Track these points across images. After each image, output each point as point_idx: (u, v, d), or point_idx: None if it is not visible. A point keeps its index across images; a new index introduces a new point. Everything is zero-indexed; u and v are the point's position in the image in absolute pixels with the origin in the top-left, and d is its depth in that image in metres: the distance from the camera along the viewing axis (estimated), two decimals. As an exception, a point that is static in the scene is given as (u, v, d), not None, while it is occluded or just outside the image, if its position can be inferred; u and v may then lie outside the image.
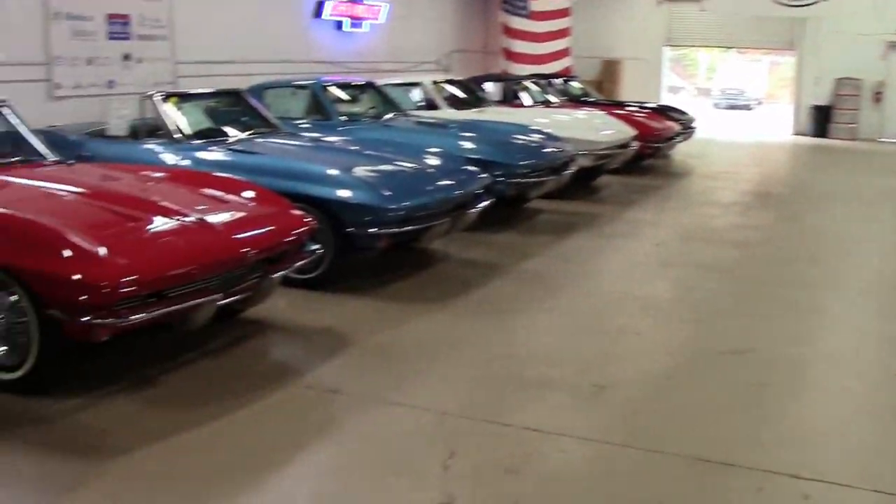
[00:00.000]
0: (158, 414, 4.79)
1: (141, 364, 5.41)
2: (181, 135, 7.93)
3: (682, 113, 17.05)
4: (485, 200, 8.17)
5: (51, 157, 6.53)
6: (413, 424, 4.72)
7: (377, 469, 4.24)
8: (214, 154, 7.65)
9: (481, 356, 5.78)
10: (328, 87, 10.77)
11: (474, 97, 13.70)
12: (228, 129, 8.41)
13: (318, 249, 6.19)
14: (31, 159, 6.44)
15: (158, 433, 4.52)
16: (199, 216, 5.32)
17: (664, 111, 16.46)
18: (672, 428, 4.73)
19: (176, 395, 5.04)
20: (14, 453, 4.32)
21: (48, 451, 4.34)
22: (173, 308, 4.91)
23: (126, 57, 11.49)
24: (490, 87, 15.26)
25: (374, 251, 7.20)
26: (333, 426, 4.73)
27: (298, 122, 10.07)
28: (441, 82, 13.56)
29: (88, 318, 4.57)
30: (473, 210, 7.92)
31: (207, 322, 5.30)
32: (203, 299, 5.03)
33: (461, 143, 9.63)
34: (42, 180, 5.77)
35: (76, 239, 4.70)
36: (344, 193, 6.88)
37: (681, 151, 16.91)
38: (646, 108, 15.96)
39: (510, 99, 14.95)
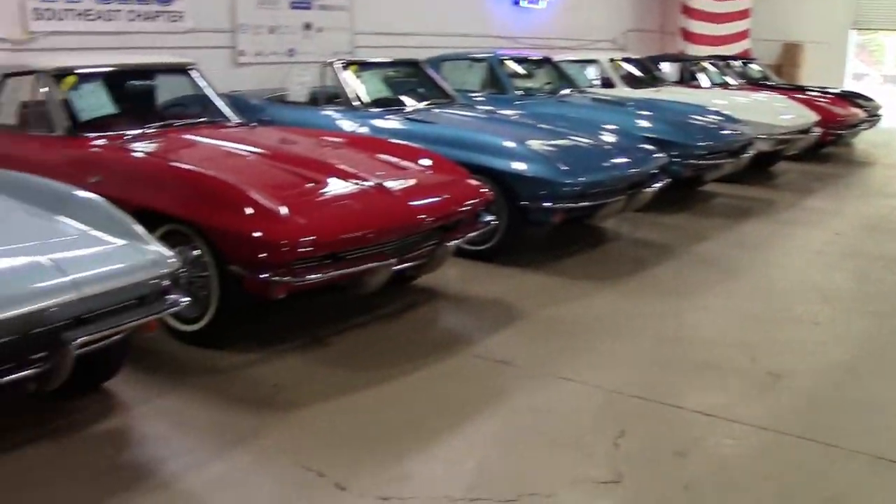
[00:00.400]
0: (329, 373, 4.84)
1: (313, 324, 5.50)
2: (359, 102, 8.02)
3: (868, 99, 16.20)
4: (660, 180, 7.95)
5: (234, 119, 6.69)
6: (582, 400, 4.62)
7: (545, 442, 4.17)
8: (391, 122, 7.70)
9: (651, 337, 5.63)
10: (505, 61, 10.71)
11: (651, 76, 13.41)
12: (406, 99, 8.46)
13: (492, 220, 6.12)
14: (216, 120, 6.62)
15: (329, 392, 4.58)
16: (377, 181, 5.34)
17: (848, 97, 15.70)
18: (852, 423, 4.48)
19: (346, 357, 5.08)
20: (191, 402, 4.44)
21: (223, 402, 4.45)
22: (349, 270, 4.95)
23: (307, 26, 11.67)
24: (667, 67, 14.92)
25: (547, 225, 7.11)
26: (502, 397, 4.67)
27: (474, 94, 10.04)
28: (618, 60, 13.32)
29: (267, 275, 4.64)
30: (649, 189, 7.72)
31: (380, 287, 5.31)
32: (378, 263, 5.04)
33: (637, 121, 9.42)
34: (226, 140, 5.92)
35: (258, 198, 4.78)
36: (520, 166, 6.81)
37: (865, 140, 16.15)
38: (829, 93, 15.25)
39: (687, 80, 14.58)
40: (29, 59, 6.95)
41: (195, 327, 5.02)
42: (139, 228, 4.13)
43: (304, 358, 5.03)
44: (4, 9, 8.28)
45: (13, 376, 3.54)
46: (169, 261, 4.00)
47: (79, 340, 3.58)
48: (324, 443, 4.07)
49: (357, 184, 5.29)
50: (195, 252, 4.90)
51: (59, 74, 6.10)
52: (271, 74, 10.24)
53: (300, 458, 3.90)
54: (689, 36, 19.88)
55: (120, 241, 4.00)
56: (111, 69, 6.49)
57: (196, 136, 6.01)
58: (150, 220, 4.78)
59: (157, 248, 4.03)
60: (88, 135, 5.89)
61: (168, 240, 4.93)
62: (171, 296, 4.05)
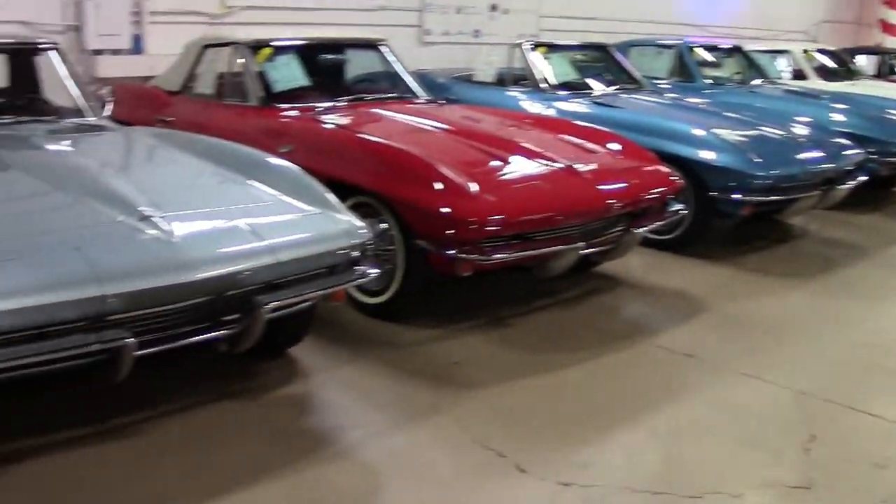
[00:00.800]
0: (509, 354, 4.78)
1: (494, 305, 5.45)
2: (546, 84, 7.93)
3: None
4: (856, 178, 7.55)
5: (423, 95, 6.69)
6: (769, 400, 4.42)
7: (731, 439, 4.00)
8: (578, 105, 7.58)
9: (842, 340, 5.34)
10: (694, 49, 10.41)
11: (846, 69, 12.80)
12: (593, 83, 8.32)
13: (682, 210, 5.93)
14: (405, 96, 6.64)
15: (509, 373, 4.52)
16: (567, 162, 5.24)
17: None
18: None
19: (527, 339, 5.01)
20: (372, 374, 4.45)
21: (403, 376, 4.44)
22: (536, 252, 4.87)
23: (493, 7, 11.65)
24: (863, 60, 14.21)
25: (735, 218, 6.84)
26: (686, 390, 4.50)
27: (660, 81, 9.79)
28: (811, 51, 12.76)
29: (453, 252, 4.61)
30: (843, 187, 7.33)
31: (564, 271, 5.21)
32: (566, 246, 4.93)
33: (832, 115, 8.98)
34: (416, 116, 5.92)
35: (449, 173, 4.75)
36: (710, 155, 6.57)
37: None
38: None
39: (886, 73, 13.87)
40: (226, 31, 7.12)
41: (378, 300, 5.04)
42: (332, 197, 4.15)
43: (484, 337, 4.98)
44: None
45: (206, 336, 3.60)
46: (360, 231, 4.00)
47: (271, 305, 3.61)
48: (503, 423, 4.00)
49: (547, 164, 5.21)
50: (382, 225, 4.90)
51: (256, 46, 6.24)
52: (456, 54, 10.26)
53: (479, 437, 3.85)
54: (888, 28, 18.92)
55: (313, 210, 4.03)
56: (305, 43, 6.60)
57: (386, 110, 6.04)
58: (339, 191, 4.81)
59: (349, 219, 4.04)
60: (281, 105, 6.00)
61: (356, 212, 4.98)
62: (361, 267, 4.05)
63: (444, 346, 4.83)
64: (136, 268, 3.34)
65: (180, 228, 3.56)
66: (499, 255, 4.70)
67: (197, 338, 3.58)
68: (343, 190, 4.91)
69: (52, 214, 3.74)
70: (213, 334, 3.62)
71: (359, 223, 4.04)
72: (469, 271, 4.67)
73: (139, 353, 3.35)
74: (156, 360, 3.46)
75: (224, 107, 6.28)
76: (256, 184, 4.22)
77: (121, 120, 6.25)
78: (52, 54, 5.45)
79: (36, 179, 4.08)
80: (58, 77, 5.45)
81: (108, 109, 5.48)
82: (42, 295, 3.11)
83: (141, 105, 7.02)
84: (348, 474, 3.56)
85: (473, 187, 4.71)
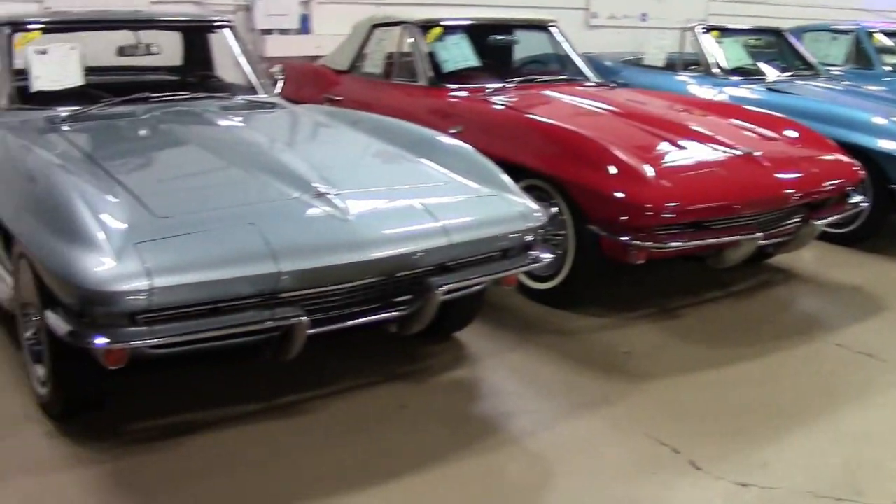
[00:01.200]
0: (680, 346, 4.61)
1: (664, 295, 5.29)
2: (719, 69, 7.66)
3: None
4: None
5: (594, 78, 6.54)
6: (963, 408, 4.13)
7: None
8: (751, 91, 7.28)
9: None
10: (873, 34, 9.89)
11: None
12: (767, 68, 8.00)
13: (862, 202, 5.61)
14: (575, 79, 6.50)
15: (680, 365, 4.37)
16: (745, 149, 5.02)
17: None
18: None
19: (699, 331, 4.83)
20: (540, 361, 4.36)
21: (573, 364, 4.33)
22: (712, 241, 4.68)
23: (661, -9, 11.38)
24: None
25: (918, 212, 6.46)
26: (868, 391, 4.25)
27: (836, 68, 9.34)
28: None
29: (627, 238, 4.46)
30: None
31: (738, 262, 5.00)
32: (743, 237, 4.72)
33: None
34: (588, 99, 5.78)
35: (624, 157, 4.61)
36: (892, 145, 6.20)
37: None
38: None
39: None
40: (395, 11, 7.12)
41: (547, 286, 4.94)
42: (507, 179, 4.06)
43: (654, 327, 4.83)
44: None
45: (378, 317, 3.58)
46: (536, 215, 3.90)
47: (445, 287, 3.56)
48: (675, 417, 3.85)
49: (724, 151, 5.00)
50: (553, 209, 4.79)
51: (426, 26, 6.20)
52: (621, 38, 10.05)
53: (652, 431, 3.71)
54: None
55: (488, 191, 3.94)
56: (475, 23, 6.53)
57: (557, 92, 5.92)
58: (509, 174, 4.76)
59: (524, 201, 3.94)
60: (450, 86, 5.95)
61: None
62: (534, 252, 3.95)
63: (613, 335, 4.69)
64: (311, 245, 3.32)
65: (355, 207, 3.52)
66: (674, 244, 4.54)
67: (368, 318, 3.55)
68: (513, 172, 4.84)
69: (228, 189, 3.75)
70: (384, 315, 3.59)
71: (534, 206, 3.94)
72: (642, 259, 4.52)
73: (312, 331, 3.34)
74: (322, 339, 3.45)
75: (392, 86, 6.27)
76: (429, 163, 4.17)
77: (289, 98, 6.32)
78: (226, 32, 5.52)
79: (211, 154, 4.10)
80: (231, 55, 5.52)
81: (279, 87, 5.51)
82: (219, 270, 3.11)
83: (309, 84, 7.09)
84: (518, 464, 3.49)
85: (649, 172, 4.56)
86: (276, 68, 5.69)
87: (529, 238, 3.89)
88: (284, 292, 3.25)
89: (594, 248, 4.66)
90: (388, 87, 6.30)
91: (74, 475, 3.30)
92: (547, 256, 3.99)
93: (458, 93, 5.86)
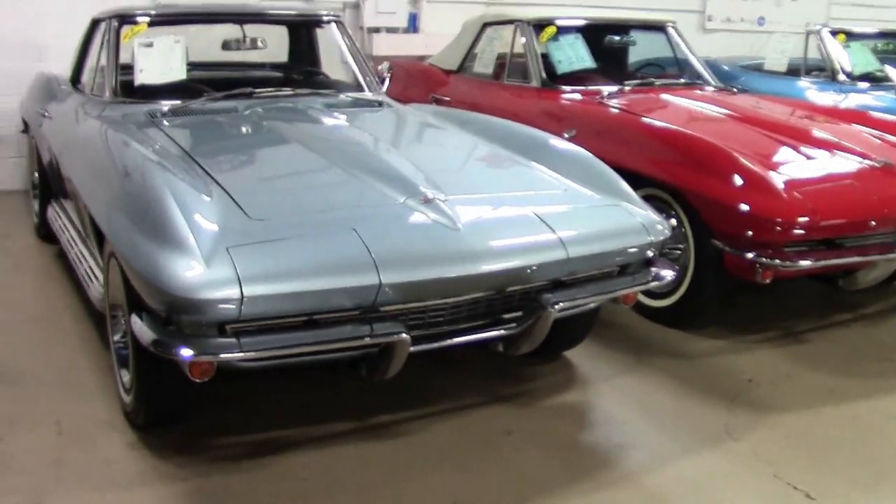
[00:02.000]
0: (809, 375, 4.23)
1: (789, 317, 4.90)
2: (845, 74, 7.22)
3: None
4: None
5: (714, 83, 6.18)
6: None
7: None
8: (880, 98, 6.82)
9: None
10: None
11: None
12: (896, 73, 7.50)
13: None
14: (694, 82, 6.16)
15: (810, 396, 4.00)
16: (883, 161, 4.60)
17: None
18: None
19: (828, 358, 4.42)
20: (655, 386, 4.04)
21: (690, 391, 4.00)
22: (847, 260, 4.31)
23: (782, -7, 10.90)
24: None
25: None
26: None
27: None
28: None
29: (753, 255, 4.12)
30: None
31: (872, 284, 4.61)
32: (883, 256, 4.33)
33: None
34: (709, 104, 5.42)
35: (750, 166, 4.27)
36: None
37: None
38: None
39: None
40: (508, 9, 6.86)
41: (663, 303, 4.62)
42: (627, 188, 3.76)
43: (779, 353, 4.45)
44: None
45: (485, 334, 3.32)
46: (658, 227, 3.58)
47: (559, 305, 3.27)
48: (808, 456, 3.48)
49: (858, 161, 4.61)
50: (672, 221, 4.47)
51: (539, 25, 5.92)
52: (738, 42, 9.62)
53: (782, 472, 3.35)
54: None
55: (607, 201, 3.64)
56: (590, 23, 6.23)
57: (676, 96, 5.57)
58: (629, 181, 4.48)
59: (646, 212, 3.63)
60: (564, 87, 5.65)
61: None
62: (655, 268, 3.64)
63: (734, 360, 4.33)
64: (417, 256, 3.06)
65: (465, 214, 3.25)
66: (804, 262, 4.17)
67: (475, 336, 3.30)
68: (629, 180, 4.55)
69: (330, 191, 3.54)
70: (492, 333, 3.33)
71: (657, 218, 3.63)
72: (768, 278, 4.17)
73: (414, 349, 3.08)
74: (422, 356, 3.20)
75: (503, 87, 6.01)
76: (543, 168, 3.90)
77: (395, 97, 6.10)
78: (334, 28, 5.33)
79: (313, 153, 3.88)
80: (338, 51, 5.34)
81: (386, 86, 5.30)
82: (316, 279, 2.87)
83: (416, 83, 6.88)
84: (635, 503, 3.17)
85: (778, 183, 4.20)
86: (384, 66, 5.47)
87: (651, 253, 3.58)
88: (386, 306, 3.00)
89: (716, 265, 4.33)
90: (499, 89, 6.03)
91: (153, 492, 3.11)
92: (668, 274, 3.67)
93: (572, 95, 5.56)
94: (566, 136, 4.98)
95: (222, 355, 2.82)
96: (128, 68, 4.71)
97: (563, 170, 3.86)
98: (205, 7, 5.53)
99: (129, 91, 4.66)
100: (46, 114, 5.35)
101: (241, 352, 2.82)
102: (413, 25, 8.29)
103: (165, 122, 4.32)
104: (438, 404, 3.78)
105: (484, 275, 3.10)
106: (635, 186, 4.44)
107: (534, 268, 3.21)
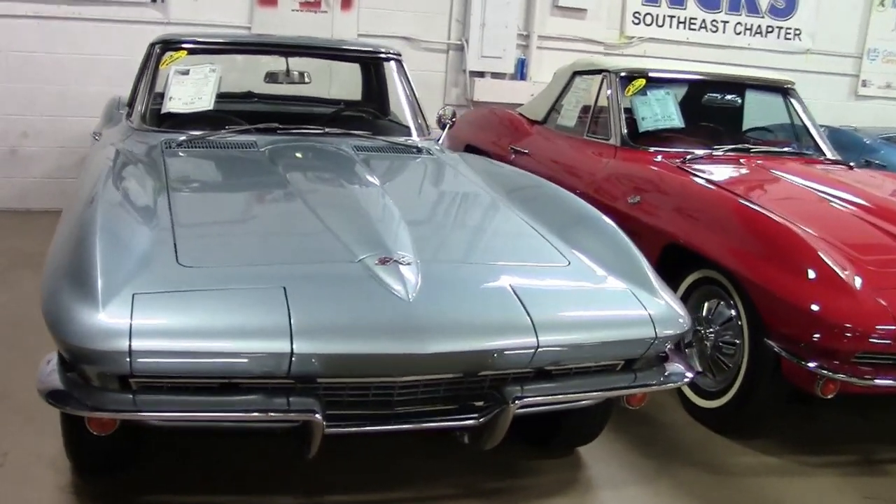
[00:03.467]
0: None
1: (864, 438, 4.10)
2: None
3: None
4: None
5: (830, 155, 5.40)
6: None
7: None
8: None
9: None
10: None
11: None
12: None
13: None
14: (804, 153, 5.41)
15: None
16: None
17: None
18: None
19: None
20: (665, 500, 3.36)
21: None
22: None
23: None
24: None
25: None
26: None
27: None
28: None
29: (815, 364, 3.42)
30: None
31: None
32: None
33: None
34: (811, 180, 4.64)
35: (828, 260, 3.54)
36: None
37: None
38: None
39: None
40: (601, 59, 6.30)
41: (711, 404, 3.93)
42: (651, 274, 3.14)
43: (848, 485, 3.63)
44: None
45: (439, 423, 2.80)
46: (675, 320, 2.96)
47: (520, 402, 2.72)
48: None
49: None
50: (730, 311, 3.81)
51: (628, 77, 5.31)
52: (893, 112, 8.73)
53: None
54: None
55: (617, 284, 3.04)
56: (689, 77, 5.63)
57: (774, 167, 4.81)
58: (686, 259, 3.93)
59: (665, 301, 3.01)
60: (645, 148, 5.02)
61: (701, 289, 4.00)
62: (673, 364, 3.02)
63: (786, 486, 3.57)
64: (345, 325, 2.62)
65: (426, 282, 2.77)
66: (881, 381, 3.45)
67: (425, 424, 2.79)
68: (692, 259, 3.95)
69: (287, 242, 3.20)
70: (447, 424, 2.81)
71: (678, 309, 3.00)
72: (831, 393, 3.46)
73: (335, 430, 2.62)
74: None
75: (582, 143, 5.41)
76: (556, 239, 3.33)
77: (472, 145, 5.65)
78: (392, 66, 4.95)
79: (297, 200, 3.50)
80: (394, 91, 4.92)
81: (444, 132, 4.85)
82: (217, 340, 2.50)
83: (498, 131, 6.39)
84: None
85: (858, 283, 3.47)
86: (445, 111, 5.02)
87: (664, 348, 2.97)
88: (313, 378, 2.58)
89: (772, 369, 3.63)
90: (578, 144, 5.43)
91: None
92: (684, 375, 3.05)
93: (651, 157, 4.91)
94: (630, 201, 4.41)
95: (116, 413, 2.52)
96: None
97: (585, 244, 3.30)
98: (250, 38, 5.28)
99: (160, 120, 4.46)
100: (97, 137, 5.15)
101: (135, 411, 2.50)
102: (521, 72, 7.77)
103: (178, 153, 4.08)
104: (401, 490, 3.26)
105: (425, 356, 2.59)
106: (695, 267, 3.86)
107: (493, 354, 2.68)
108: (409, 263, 2.83)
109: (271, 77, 5.00)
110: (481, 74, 7.61)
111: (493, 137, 6.28)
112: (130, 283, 2.59)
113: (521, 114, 6.36)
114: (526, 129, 6.09)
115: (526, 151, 5.78)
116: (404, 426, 2.77)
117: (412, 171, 4.30)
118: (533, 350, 2.70)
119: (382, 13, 7.21)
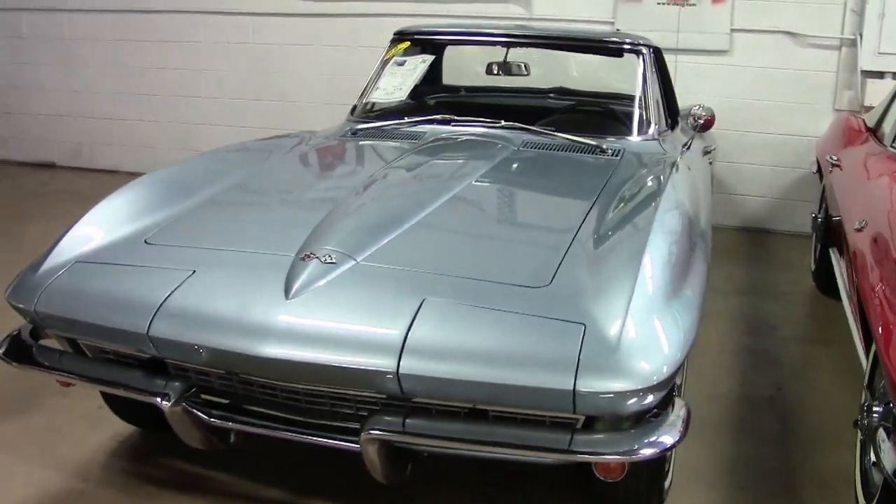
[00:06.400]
0: None
1: None
2: None
3: None
4: None
5: None
6: None
7: None
8: None
9: None
10: None
11: None
12: None
13: None
14: None
15: None
16: None
17: None
18: None
19: None
20: None
21: None
22: None
23: None
24: None
25: None
26: None
27: None
28: None
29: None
30: None
31: None
32: None
33: None
34: None
35: None
36: None
37: None
38: None
39: None
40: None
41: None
42: (623, 303, 2.36)
43: None
44: None
45: (313, 439, 2.58)
46: (635, 372, 2.22)
47: (369, 433, 2.38)
48: None
49: None
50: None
51: None
52: None
53: None
54: None
55: (578, 316, 2.36)
56: None
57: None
58: None
59: (631, 346, 2.26)
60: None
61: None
62: (659, 433, 2.34)
63: None
64: (206, 315, 2.53)
65: (333, 284, 2.53)
66: None
67: (302, 437, 2.59)
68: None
69: (263, 230, 3.08)
70: (318, 440, 2.57)
71: (653, 358, 2.25)
72: None
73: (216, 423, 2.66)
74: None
75: (887, 156, 4.30)
76: (564, 258, 2.70)
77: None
78: (635, 59, 4.42)
79: (349, 194, 3.26)
80: (638, 85, 4.38)
81: (692, 134, 4.27)
82: (98, 311, 2.66)
83: (836, 138, 5.31)
84: None
85: None
86: (698, 108, 4.37)
87: (629, 408, 2.26)
88: (177, 365, 2.67)
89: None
90: (883, 157, 4.33)
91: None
92: (668, 441, 2.33)
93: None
94: (856, 226, 3.50)
95: None
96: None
97: (600, 259, 2.66)
98: (482, 28, 5.04)
99: (368, 111, 4.53)
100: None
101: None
102: (934, 71, 6.34)
103: (348, 141, 4.20)
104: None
105: (258, 358, 2.40)
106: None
107: (338, 370, 2.36)
108: (331, 263, 2.58)
109: (491, 69, 4.76)
110: (880, 75, 6.35)
111: (829, 145, 5.29)
112: (80, 250, 2.92)
113: (863, 120, 5.23)
114: (855, 136, 5.00)
115: (837, 161, 4.78)
116: (291, 435, 2.58)
117: (551, 173, 3.74)
118: (391, 375, 2.29)
119: (760, 5, 6.32)
